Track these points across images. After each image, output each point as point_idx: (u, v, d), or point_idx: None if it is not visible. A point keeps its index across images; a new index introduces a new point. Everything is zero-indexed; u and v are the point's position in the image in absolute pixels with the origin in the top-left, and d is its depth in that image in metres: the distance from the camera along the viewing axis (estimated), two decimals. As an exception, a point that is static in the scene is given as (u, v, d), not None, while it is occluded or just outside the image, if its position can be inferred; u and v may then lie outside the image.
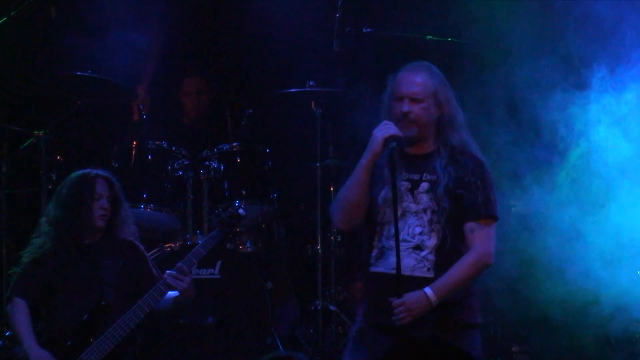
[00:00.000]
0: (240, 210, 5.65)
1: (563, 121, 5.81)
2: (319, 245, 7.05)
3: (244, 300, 6.54)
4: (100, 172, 5.54)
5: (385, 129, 4.42)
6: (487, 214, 4.47)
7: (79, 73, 6.99)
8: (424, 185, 4.49)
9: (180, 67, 7.99)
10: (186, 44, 8.17)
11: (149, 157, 6.92)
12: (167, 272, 5.32)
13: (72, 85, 7.04)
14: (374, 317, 4.53)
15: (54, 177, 6.88)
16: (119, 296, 5.31)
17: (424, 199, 4.48)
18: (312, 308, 6.99)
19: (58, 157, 7.13)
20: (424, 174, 4.51)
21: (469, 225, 4.47)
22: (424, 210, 4.48)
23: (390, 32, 7.03)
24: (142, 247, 5.57)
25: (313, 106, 7.17)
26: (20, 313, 5.35)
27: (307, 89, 7.12)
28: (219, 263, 6.56)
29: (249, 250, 7.13)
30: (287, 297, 7.57)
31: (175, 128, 7.57)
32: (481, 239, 4.46)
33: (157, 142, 6.93)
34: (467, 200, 4.45)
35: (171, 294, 5.36)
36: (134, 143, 6.94)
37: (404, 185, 4.50)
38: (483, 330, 6.10)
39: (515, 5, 6.34)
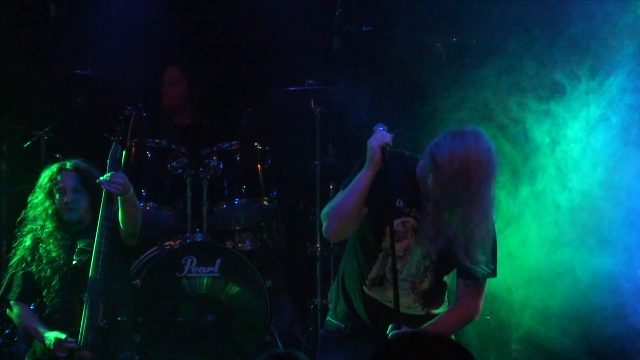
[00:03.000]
0: (126, 112, 5.57)
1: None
2: (318, 243, 7.05)
3: (243, 298, 6.55)
4: (67, 163, 5.56)
5: (380, 137, 4.36)
6: (485, 278, 4.45)
7: (79, 72, 7.00)
8: (430, 232, 4.40)
9: (160, 61, 7.94)
10: (187, 43, 8.16)
11: (149, 155, 6.93)
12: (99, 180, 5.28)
13: (72, 83, 7.06)
14: (358, 330, 4.52)
15: (53, 176, 6.88)
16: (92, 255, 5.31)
17: (427, 245, 4.42)
18: (311, 306, 7.00)
19: (58, 156, 7.11)
20: (433, 219, 4.38)
21: (464, 283, 4.45)
22: (424, 257, 4.44)
23: (390, 30, 7.03)
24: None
25: (312, 104, 7.17)
26: (23, 314, 5.44)
27: (307, 87, 7.12)
28: (218, 261, 6.57)
29: (248, 248, 7.14)
30: (285, 295, 7.58)
31: (169, 128, 7.56)
32: (474, 296, 4.46)
33: (156, 141, 6.94)
34: (467, 264, 4.38)
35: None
36: (134, 141, 6.93)
37: (410, 222, 4.43)
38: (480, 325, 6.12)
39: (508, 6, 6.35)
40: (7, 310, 5.56)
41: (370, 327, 4.46)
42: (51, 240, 5.46)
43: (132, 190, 5.34)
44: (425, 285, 4.47)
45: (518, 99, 6.08)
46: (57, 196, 5.50)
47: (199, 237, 6.79)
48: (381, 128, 4.43)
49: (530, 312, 6.10)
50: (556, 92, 5.89)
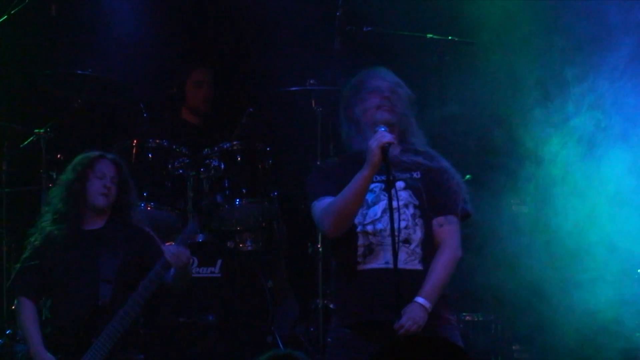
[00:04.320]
0: (218, 198, 5.64)
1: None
2: (320, 243, 7.04)
3: (244, 298, 6.54)
4: (108, 155, 5.53)
5: (379, 138, 4.44)
6: (457, 210, 4.60)
7: (79, 72, 6.99)
8: (400, 184, 4.56)
9: (180, 62, 7.96)
10: (185, 40, 8.16)
11: (150, 155, 6.92)
12: (165, 248, 5.24)
13: (72, 83, 7.05)
14: (366, 314, 4.53)
15: (54, 176, 6.86)
16: (118, 292, 5.27)
17: (403, 195, 4.56)
18: (313, 306, 6.99)
19: (58, 156, 7.12)
20: (396, 174, 4.56)
21: (438, 220, 4.58)
22: (406, 206, 4.56)
23: (391, 30, 7.02)
24: (152, 233, 5.51)
25: (314, 104, 7.16)
26: (27, 314, 5.34)
27: (308, 87, 7.11)
28: (219, 261, 6.57)
29: (249, 248, 7.14)
30: (284, 296, 7.57)
31: (177, 126, 7.56)
32: (451, 235, 4.58)
33: (157, 141, 6.93)
34: (439, 198, 4.59)
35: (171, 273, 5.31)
36: (134, 141, 6.93)
37: (378, 186, 4.56)
38: (485, 329, 6.13)
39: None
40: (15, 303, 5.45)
41: (372, 312, 4.48)
42: (70, 249, 5.35)
43: (190, 264, 5.36)
44: (419, 233, 4.55)
45: (519, 98, 6.10)
46: (90, 181, 5.42)
47: (199, 238, 6.78)
48: (382, 129, 4.48)
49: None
50: (560, 88, 5.90)
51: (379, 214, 4.55)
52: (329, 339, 4.80)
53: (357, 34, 6.89)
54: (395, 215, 4.46)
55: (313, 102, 7.16)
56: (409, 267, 4.51)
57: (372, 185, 4.53)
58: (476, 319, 6.70)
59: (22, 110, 7.39)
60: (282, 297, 7.46)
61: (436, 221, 4.59)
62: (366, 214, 4.57)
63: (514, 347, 6.72)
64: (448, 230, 4.59)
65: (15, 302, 5.42)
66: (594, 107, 5.82)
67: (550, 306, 6.23)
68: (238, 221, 7.20)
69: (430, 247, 4.58)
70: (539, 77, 6.05)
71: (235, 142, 7.01)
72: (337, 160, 4.92)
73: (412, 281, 4.47)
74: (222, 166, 6.91)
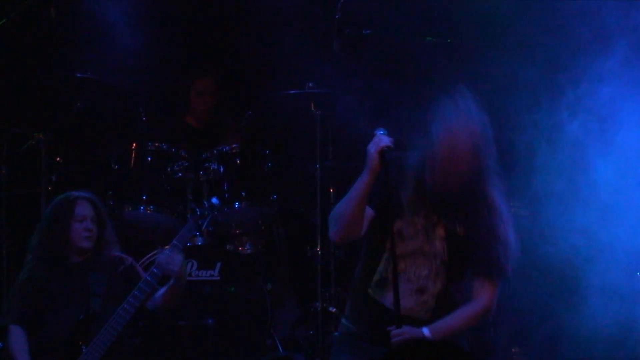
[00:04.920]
0: (214, 200, 5.65)
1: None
2: (319, 246, 7.05)
3: (243, 301, 6.54)
4: (83, 194, 5.54)
5: (377, 142, 4.34)
6: (500, 275, 4.42)
7: (79, 75, 7.00)
8: (439, 232, 4.43)
9: (179, 68, 7.97)
10: (187, 46, 8.17)
11: (149, 158, 6.92)
12: (157, 256, 5.29)
13: (72, 86, 7.05)
14: (367, 333, 4.50)
15: (53, 179, 6.88)
16: (108, 304, 5.30)
17: (438, 245, 4.43)
18: (312, 309, 6.99)
19: (58, 159, 7.13)
20: (442, 218, 4.42)
21: (480, 281, 4.42)
22: (435, 256, 4.43)
23: (390, 33, 7.03)
24: (130, 258, 5.56)
25: (313, 108, 7.17)
26: (17, 342, 5.31)
27: (307, 90, 7.12)
28: (218, 264, 6.56)
29: (248, 251, 7.13)
30: (284, 299, 7.58)
31: (177, 129, 7.56)
32: (489, 294, 4.42)
33: (156, 144, 6.93)
34: (482, 259, 4.40)
35: (162, 289, 5.35)
36: (134, 145, 6.94)
37: (420, 222, 4.43)
38: (483, 331, 6.12)
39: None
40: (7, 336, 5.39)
41: (373, 332, 4.44)
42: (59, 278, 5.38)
43: (186, 276, 5.37)
44: (439, 286, 4.43)
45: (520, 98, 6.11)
46: (72, 227, 5.43)
47: (199, 241, 6.78)
48: (380, 132, 4.42)
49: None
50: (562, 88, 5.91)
51: (408, 252, 4.41)
52: (336, 334, 4.72)
53: (356, 36, 6.89)
54: (422, 261, 4.40)
55: (312, 105, 7.17)
56: (413, 316, 4.39)
57: (415, 219, 4.39)
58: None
59: (22, 113, 7.38)
60: (281, 300, 7.47)
61: (477, 280, 4.42)
62: (391, 245, 4.36)
63: (513, 350, 6.72)
64: (486, 291, 4.41)
65: (7, 332, 5.36)
66: (588, 112, 5.83)
67: (550, 308, 6.25)
68: (237, 224, 7.21)
69: (446, 302, 4.45)
70: (531, 81, 6.06)
71: (234, 145, 7.02)
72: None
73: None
74: (221, 169, 6.92)
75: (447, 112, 4.29)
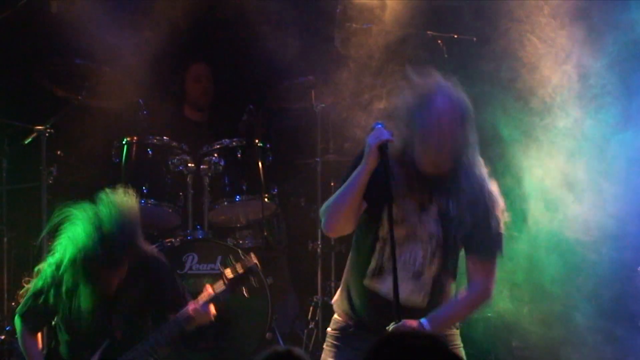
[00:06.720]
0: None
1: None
2: (319, 240, 7.05)
3: (244, 295, 6.53)
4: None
5: (377, 135, 4.28)
6: (495, 252, 4.37)
7: (78, 61, 7.00)
8: (433, 210, 4.37)
9: (182, 58, 7.96)
10: (186, 38, 8.15)
11: (150, 152, 6.92)
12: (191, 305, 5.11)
13: (72, 80, 7.05)
14: (363, 324, 4.46)
15: (54, 172, 6.88)
16: (130, 327, 5.09)
17: (432, 226, 4.37)
18: (312, 303, 6.99)
19: (59, 152, 7.14)
20: (434, 196, 4.37)
21: (474, 260, 4.37)
22: (430, 238, 4.37)
23: (392, 27, 7.01)
24: (167, 265, 5.30)
25: (313, 101, 7.17)
26: (28, 339, 5.13)
27: (308, 84, 7.12)
28: (219, 258, 6.56)
29: (249, 245, 7.13)
30: (286, 293, 7.57)
31: (178, 123, 7.56)
32: (486, 275, 4.37)
33: (157, 137, 6.94)
34: (477, 237, 4.35)
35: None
36: (135, 138, 6.94)
37: (411, 205, 4.37)
38: (483, 325, 6.10)
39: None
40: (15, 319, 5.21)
41: (370, 324, 4.40)
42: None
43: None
44: (435, 268, 4.37)
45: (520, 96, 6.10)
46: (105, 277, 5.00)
47: (199, 234, 6.79)
48: (379, 125, 4.36)
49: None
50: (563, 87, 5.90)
51: (402, 238, 4.32)
52: (328, 328, 4.66)
53: (357, 30, 6.88)
54: (418, 245, 4.36)
55: (313, 98, 7.16)
56: (410, 302, 4.34)
57: (405, 201, 4.32)
58: (475, 315, 6.68)
59: (22, 107, 7.39)
60: (282, 293, 7.47)
61: (471, 260, 4.36)
62: (387, 229, 4.30)
63: (513, 344, 6.72)
64: (483, 270, 4.34)
65: (19, 332, 5.16)
66: (575, 118, 5.84)
67: (549, 302, 6.24)
68: (238, 218, 7.21)
69: (443, 283, 4.40)
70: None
71: (235, 139, 7.01)
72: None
73: (411, 317, 4.26)
74: (222, 163, 6.92)
75: (429, 92, 4.26)
